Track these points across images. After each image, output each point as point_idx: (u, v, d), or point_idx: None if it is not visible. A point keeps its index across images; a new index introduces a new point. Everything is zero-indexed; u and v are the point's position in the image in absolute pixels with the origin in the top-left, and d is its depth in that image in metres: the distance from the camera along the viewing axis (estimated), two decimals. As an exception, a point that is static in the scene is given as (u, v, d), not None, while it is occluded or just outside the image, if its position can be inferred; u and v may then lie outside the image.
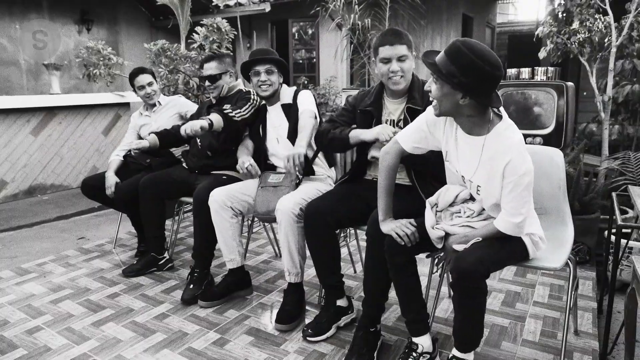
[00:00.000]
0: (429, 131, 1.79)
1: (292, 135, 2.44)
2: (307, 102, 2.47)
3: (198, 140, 2.82)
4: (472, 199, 1.78)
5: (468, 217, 1.75)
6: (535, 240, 1.74)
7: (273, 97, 2.53)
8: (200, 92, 5.00)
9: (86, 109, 5.30)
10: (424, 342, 1.86)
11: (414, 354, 1.84)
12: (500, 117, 1.63)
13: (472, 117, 1.60)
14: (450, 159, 1.77)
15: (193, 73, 5.02)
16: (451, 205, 1.79)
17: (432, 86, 1.59)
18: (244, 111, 2.58)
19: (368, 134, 2.06)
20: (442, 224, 1.77)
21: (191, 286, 2.54)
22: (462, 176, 1.74)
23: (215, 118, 2.48)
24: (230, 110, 2.54)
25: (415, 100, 2.06)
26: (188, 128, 2.41)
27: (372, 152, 2.13)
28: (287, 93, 2.56)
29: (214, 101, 2.86)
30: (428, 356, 1.85)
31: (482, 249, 1.63)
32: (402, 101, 2.13)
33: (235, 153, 2.70)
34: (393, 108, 2.16)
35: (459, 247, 1.67)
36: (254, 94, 2.69)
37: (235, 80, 2.85)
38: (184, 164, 2.96)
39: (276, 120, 2.57)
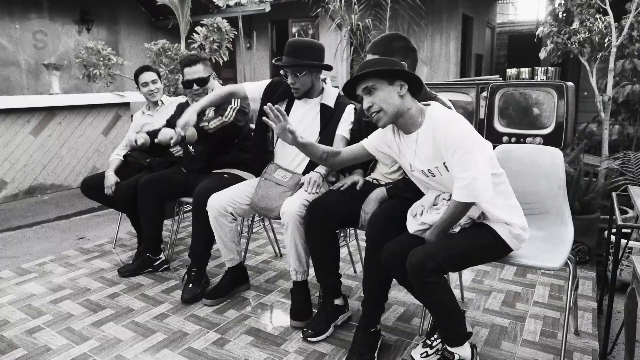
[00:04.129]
0: (383, 140, 1.90)
1: (325, 143, 2.30)
2: (347, 125, 2.37)
3: (190, 147, 2.77)
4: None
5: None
6: (516, 233, 1.73)
7: (306, 94, 2.39)
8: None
9: (86, 109, 5.30)
10: (459, 351, 1.80)
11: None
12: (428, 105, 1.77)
13: (410, 111, 1.72)
14: (411, 165, 1.81)
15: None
16: (435, 205, 1.82)
17: (371, 99, 1.70)
18: (225, 117, 2.57)
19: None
20: (421, 218, 1.80)
21: (190, 285, 2.55)
22: (423, 170, 1.77)
23: (190, 132, 2.50)
24: (207, 123, 2.53)
25: None
26: (161, 136, 2.49)
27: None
28: (330, 94, 2.41)
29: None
30: None
31: (435, 244, 1.67)
32: None
33: (233, 150, 2.68)
34: None
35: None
36: (234, 107, 2.68)
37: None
38: (182, 168, 2.92)
39: (302, 115, 2.42)
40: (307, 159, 2.42)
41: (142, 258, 2.90)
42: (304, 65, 2.26)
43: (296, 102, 2.45)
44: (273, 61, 2.45)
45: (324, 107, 2.38)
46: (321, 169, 2.30)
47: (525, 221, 1.77)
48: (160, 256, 2.94)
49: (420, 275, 1.61)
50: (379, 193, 2.07)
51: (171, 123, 2.92)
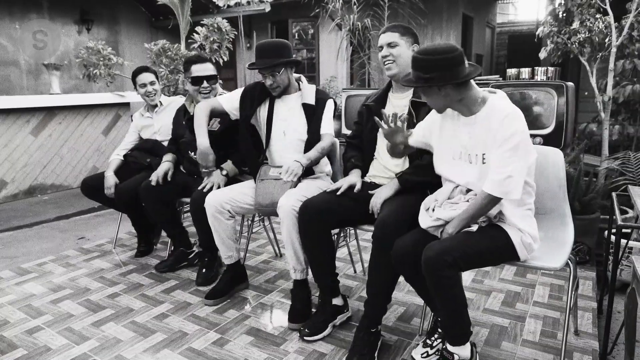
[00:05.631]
0: (430, 127, 1.91)
1: (312, 139, 2.42)
2: (331, 122, 2.46)
3: (191, 153, 2.75)
4: (469, 190, 1.80)
5: (468, 200, 1.76)
6: (527, 242, 1.73)
7: (285, 92, 2.47)
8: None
9: (86, 109, 5.30)
10: (459, 351, 1.81)
11: (440, 330, 1.89)
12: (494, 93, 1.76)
13: (463, 100, 1.72)
14: (461, 148, 1.80)
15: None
16: (450, 198, 1.81)
17: (426, 100, 1.80)
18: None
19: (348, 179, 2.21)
20: (434, 213, 1.78)
21: (204, 270, 2.69)
22: (469, 154, 1.76)
23: (232, 171, 2.64)
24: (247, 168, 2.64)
25: (418, 95, 2.11)
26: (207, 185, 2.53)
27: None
28: (308, 91, 2.47)
29: (191, 111, 2.76)
30: None
31: (452, 240, 1.67)
32: (407, 96, 2.17)
33: (232, 153, 2.68)
34: (398, 103, 2.19)
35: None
36: None
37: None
38: (181, 168, 2.92)
39: (286, 113, 2.47)
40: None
41: (177, 253, 2.94)
42: (280, 64, 2.33)
43: (276, 101, 2.50)
44: (247, 67, 2.49)
45: (306, 107, 2.45)
46: (302, 159, 2.29)
47: (537, 232, 1.77)
48: (194, 249, 2.96)
49: (435, 269, 1.60)
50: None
51: (176, 133, 2.92)
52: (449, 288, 1.65)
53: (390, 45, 2.09)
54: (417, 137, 1.95)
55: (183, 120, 2.84)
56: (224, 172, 2.60)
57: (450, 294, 1.67)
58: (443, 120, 1.85)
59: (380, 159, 2.24)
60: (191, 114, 2.78)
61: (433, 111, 1.88)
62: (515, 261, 1.77)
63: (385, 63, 2.12)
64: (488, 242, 1.70)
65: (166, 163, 2.81)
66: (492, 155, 1.65)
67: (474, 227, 1.72)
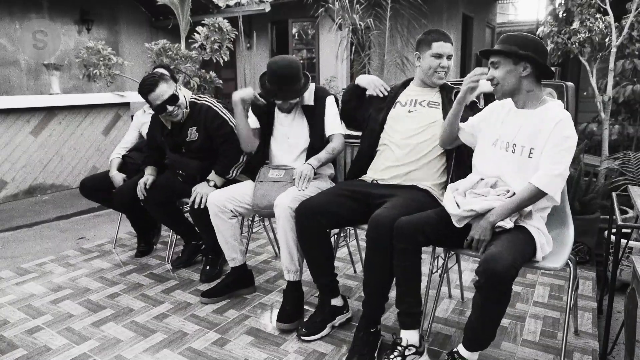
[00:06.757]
0: (486, 118, 1.97)
1: (315, 141, 2.41)
2: (337, 120, 2.44)
3: (179, 172, 2.76)
4: (496, 185, 1.82)
5: (499, 195, 1.77)
6: (542, 242, 1.74)
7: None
8: (200, 92, 5.01)
9: (86, 109, 5.30)
10: (410, 336, 1.86)
11: (399, 348, 1.84)
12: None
13: (530, 92, 1.79)
14: (499, 136, 1.85)
15: (193, 73, 5.04)
16: (472, 189, 1.83)
17: (493, 73, 1.81)
18: (242, 159, 2.68)
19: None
20: (471, 203, 1.77)
21: (207, 267, 2.74)
22: (514, 144, 1.79)
23: (219, 181, 2.62)
24: (231, 174, 2.66)
25: (452, 88, 2.27)
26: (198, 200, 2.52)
27: None
28: (307, 93, 2.46)
29: (169, 125, 2.68)
30: (414, 349, 1.85)
31: (510, 250, 1.59)
32: (431, 89, 2.28)
33: (225, 156, 2.67)
34: (416, 93, 2.29)
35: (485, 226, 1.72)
36: (227, 118, 2.67)
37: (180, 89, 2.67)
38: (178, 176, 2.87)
39: (287, 118, 2.47)
40: (301, 159, 2.44)
41: (190, 247, 2.98)
42: (302, 90, 2.37)
43: (277, 107, 2.49)
44: (276, 108, 2.47)
45: (306, 108, 2.45)
46: (313, 161, 2.31)
47: (549, 235, 1.80)
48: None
49: (502, 283, 1.53)
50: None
51: (151, 136, 2.88)
52: (507, 301, 1.60)
53: (449, 57, 2.21)
54: (468, 128, 2.01)
55: (162, 135, 2.77)
56: (212, 184, 2.58)
57: (504, 308, 1.61)
58: (498, 109, 1.90)
59: (393, 144, 2.23)
60: (169, 128, 2.72)
61: (488, 107, 1.98)
62: (529, 262, 1.77)
63: (440, 72, 2.22)
64: (525, 244, 1.70)
65: (145, 176, 2.78)
66: (543, 152, 1.70)
67: (508, 225, 1.72)
